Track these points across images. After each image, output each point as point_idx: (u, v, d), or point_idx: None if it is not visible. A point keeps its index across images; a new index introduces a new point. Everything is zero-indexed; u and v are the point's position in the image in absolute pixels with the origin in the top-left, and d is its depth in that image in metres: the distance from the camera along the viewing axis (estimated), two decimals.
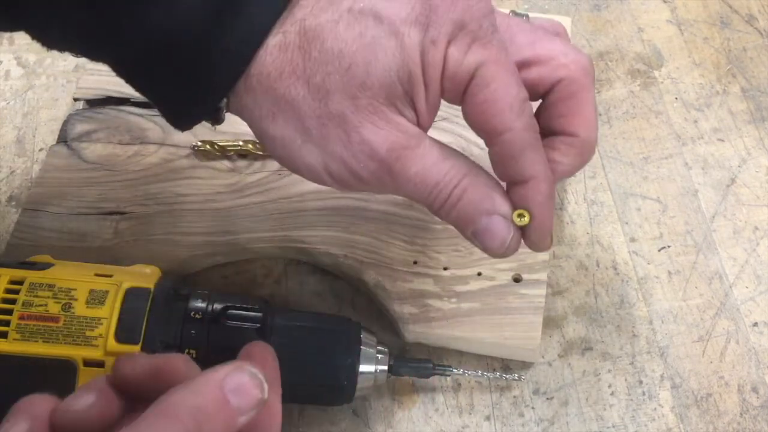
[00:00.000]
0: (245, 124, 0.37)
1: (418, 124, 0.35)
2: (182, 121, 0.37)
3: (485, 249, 0.36)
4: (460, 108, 0.54)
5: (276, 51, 0.34)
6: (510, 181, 0.36)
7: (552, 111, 0.38)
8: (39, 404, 0.28)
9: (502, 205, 0.35)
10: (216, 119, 0.37)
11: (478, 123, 0.35)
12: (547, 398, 0.47)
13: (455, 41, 0.33)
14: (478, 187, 0.35)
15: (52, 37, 0.36)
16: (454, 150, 0.36)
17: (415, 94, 0.34)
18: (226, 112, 0.37)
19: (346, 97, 0.33)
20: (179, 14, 0.32)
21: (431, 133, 0.53)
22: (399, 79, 0.33)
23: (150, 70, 0.35)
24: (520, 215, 0.36)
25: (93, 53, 0.36)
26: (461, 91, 0.34)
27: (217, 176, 0.52)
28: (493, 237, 0.36)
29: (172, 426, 0.26)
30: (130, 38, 0.33)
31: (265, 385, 0.30)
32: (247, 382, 0.29)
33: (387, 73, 0.33)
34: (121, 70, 0.36)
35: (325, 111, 0.33)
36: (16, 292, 0.40)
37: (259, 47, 0.34)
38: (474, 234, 0.36)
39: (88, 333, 0.39)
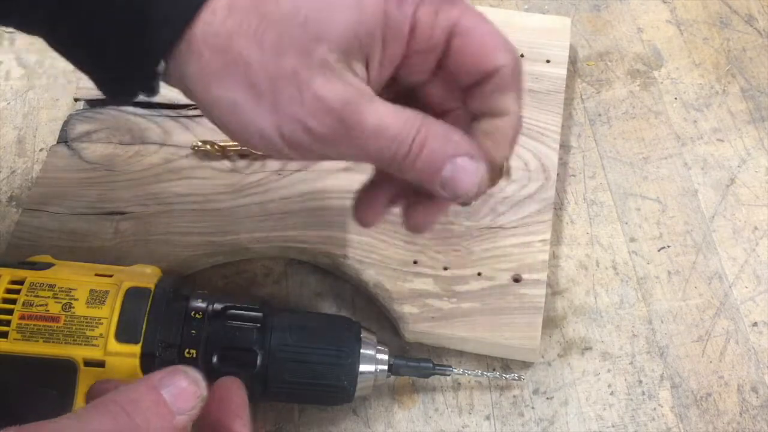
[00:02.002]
0: None
1: (370, 84, 0.34)
2: (118, 90, 0.36)
3: (458, 196, 0.35)
4: None
5: (225, 11, 0.33)
6: (486, 113, 0.36)
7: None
8: None
9: (464, 144, 0.35)
10: (152, 88, 0.35)
11: (472, 68, 0.35)
12: (547, 398, 0.47)
13: (423, 4, 0.34)
14: (438, 133, 0.34)
15: None
16: (403, 106, 0.35)
17: (371, 53, 0.33)
18: (168, 82, 0.35)
19: (300, 53, 0.32)
20: None
21: None
22: (356, 34, 0.32)
23: (84, 35, 0.34)
24: None
25: (26, 21, 0.35)
26: (439, 50, 0.34)
27: (217, 176, 0.52)
28: (463, 179, 0.34)
29: (103, 416, 0.28)
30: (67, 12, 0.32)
31: (203, 383, 0.31)
32: (182, 380, 0.30)
33: (344, 27, 0.32)
34: (55, 38, 0.34)
35: (277, 70, 0.32)
36: (17, 292, 0.40)
37: (201, 8, 0.33)
38: (443, 184, 0.34)
39: (88, 333, 0.39)
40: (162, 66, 0.34)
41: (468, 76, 0.35)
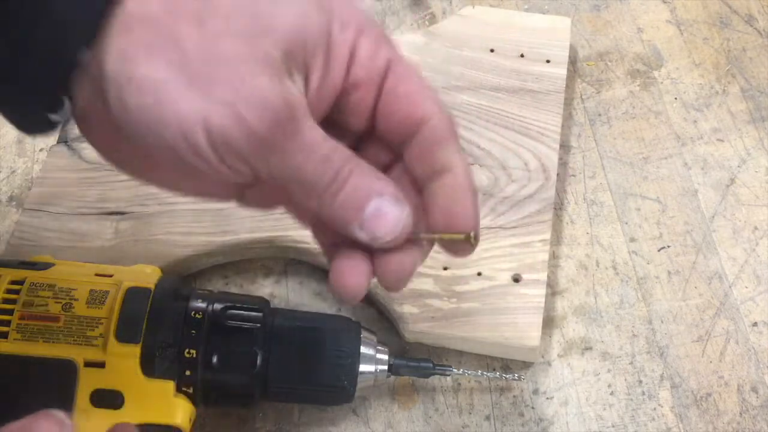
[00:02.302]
0: None
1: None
2: (37, 125, 0.30)
3: (376, 238, 0.32)
4: (460, 108, 0.55)
5: None
6: (429, 174, 0.33)
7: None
8: None
9: (390, 186, 0.32)
10: (62, 104, 0.30)
11: (401, 115, 0.33)
12: (547, 398, 0.47)
13: (365, 34, 0.32)
14: (365, 169, 0.32)
15: None
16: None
17: (312, 67, 0.31)
18: (79, 100, 0.30)
19: (244, 41, 0.29)
20: None
21: None
22: (301, 38, 0.30)
23: None
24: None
25: None
26: (376, 84, 0.33)
27: None
28: (385, 220, 0.32)
29: None
30: None
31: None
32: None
33: (291, 26, 0.30)
34: None
35: (216, 53, 0.29)
36: (17, 292, 0.40)
37: None
38: (362, 223, 0.32)
39: (88, 333, 0.39)
40: (76, 62, 0.29)
41: (396, 126, 0.33)
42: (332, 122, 0.34)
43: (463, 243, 0.33)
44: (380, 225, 0.32)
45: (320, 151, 0.30)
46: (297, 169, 0.30)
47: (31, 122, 0.31)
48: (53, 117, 0.30)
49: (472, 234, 0.33)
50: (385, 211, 0.32)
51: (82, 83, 0.29)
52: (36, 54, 0.28)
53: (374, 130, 0.34)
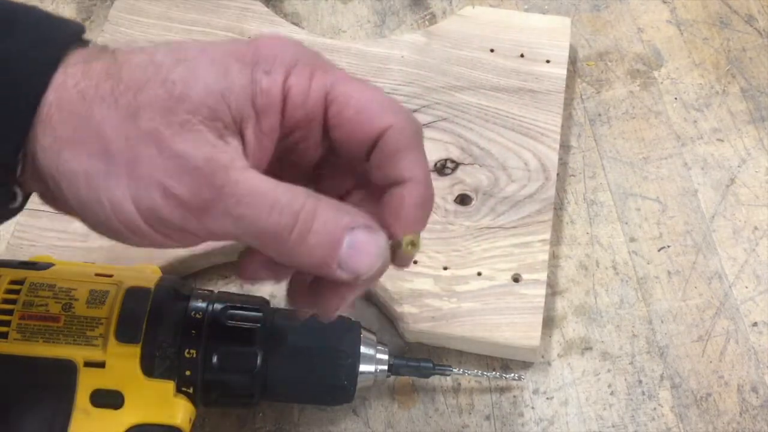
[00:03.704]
0: None
1: (247, 160, 0.30)
2: None
3: (359, 274, 0.30)
4: (460, 108, 0.55)
5: (78, 76, 0.29)
6: (388, 183, 0.32)
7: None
8: None
9: (359, 215, 0.30)
10: (14, 195, 0.31)
11: (355, 137, 0.31)
12: (547, 398, 0.47)
13: (294, 73, 0.31)
14: (328, 204, 0.30)
15: None
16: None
17: (244, 125, 0.30)
18: (26, 184, 0.30)
19: (160, 112, 0.28)
20: None
21: (431, 132, 0.54)
22: (222, 102, 0.29)
23: None
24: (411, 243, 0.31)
25: None
26: (316, 119, 0.32)
27: None
28: (364, 253, 0.30)
29: None
30: None
31: None
32: None
33: (210, 91, 0.29)
34: None
35: (134, 131, 0.28)
36: (17, 292, 0.40)
37: (53, 74, 0.29)
38: (341, 262, 0.30)
39: (88, 333, 0.39)
40: (21, 156, 0.29)
41: (354, 147, 0.32)
42: (287, 162, 0.33)
43: (398, 250, 0.31)
44: (360, 260, 0.30)
45: (268, 198, 0.29)
46: (247, 224, 0.29)
47: None
48: (11, 206, 0.31)
49: (402, 239, 0.31)
50: (361, 244, 0.30)
51: (25, 175, 0.30)
52: None
53: (332, 156, 0.33)
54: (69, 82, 0.29)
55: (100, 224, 0.30)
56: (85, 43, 0.31)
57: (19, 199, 0.31)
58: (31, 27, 0.29)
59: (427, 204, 0.32)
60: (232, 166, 0.29)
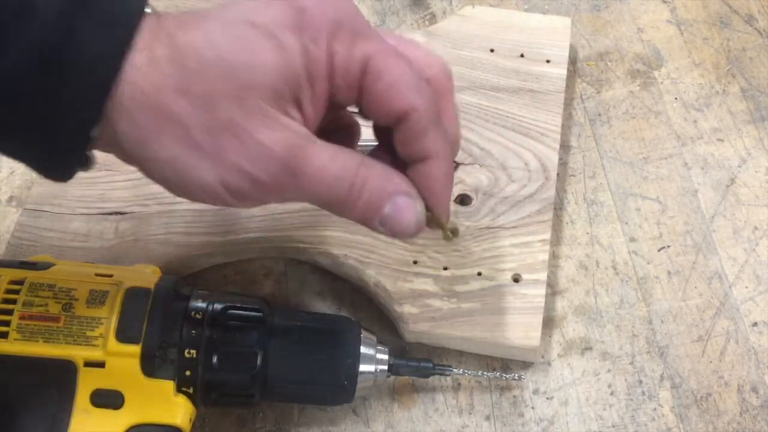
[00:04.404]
0: None
1: (306, 126, 0.34)
2: (54, 174, 0.34)
3: (396, 233, 0.35)
4: (460, 108, 0.55)
5: (145, 67, 0.31)
6: (412, 159, 0.36)
7: None
8: None
9: (402, 183, 0.35)
10: (87, 161, 0.34)
11: (383, 110, 0.34)
12: (547, 398, 0.47)
13: (337, 38, 0.33)
14: (376, 173, 0.35)
15: None
16: (341, 146, 0.35)
17: (301, 94, 0.33)
18: (102, 149, 0.34)
19: (233, 101, 0.31)
20: (12, 57, 0.29)
21: None
22: (283, 79, 0.32)
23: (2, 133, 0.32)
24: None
25: None
26: (356, 86, 0.34)
27: None
28: (402, 217, 0.35)
29: None
30: None
31: None
32: None
33: (270, 72, 0.32)
34: None
35: (213, 121, 0.31)
36: (17, 292, 0.40)
37: (122, 64, 0.31)
38: (382, 221, 0.35)
39: (88, 333, 0.39)
40: (94, 138, 0.32)
41: (381, 119, 0.35)
42: (330, 120, 0.36)
43: (443, 233, 0.37)
44: (398, 222, 0.35)
45: (330, 172, 0.33)
46: (314, 194, 0.34)
47: (62, 174, 0.34)
48: (85, 168, 0.34)
49: (449, 231, 0.37)
50: (400, 210, 0.35)
51: (101, 146, 0.33)
52: (61, 130, 0.31)
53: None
54: (139, 74, 0.31)
55: (183, 195, 0.34)
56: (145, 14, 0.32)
57: (93, 161, 0.34)
58: (104, 2, 0.31)
59: (450, 176, 0.36)
60: (303, 143, 0.33)
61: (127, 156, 0.33)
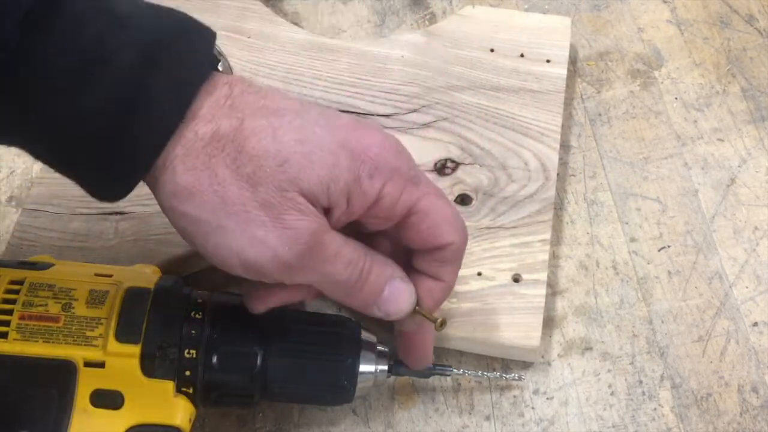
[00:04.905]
0: None
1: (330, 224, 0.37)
2: (106, 197, 0.37)
3: (391, 314, 0.39)
4: (460, 108, 0.55)
5: (208, 137, 0.34)
6: (425, 274, 0.40)
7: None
8: None
9: (398, 269, 0.39)
10: (129, 190, 0.37)
11: (424, 242, 0.38)
12: (547, 398, 0.47)
13: (391, 182, 0.36)
14: (379, 260, 0.38)
15: None
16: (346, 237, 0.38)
17: (335, 206, 0.36)
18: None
19: (276, 189, 0.34)
20: (86, 103, 0.33)
21: (431, 132, 0.54)
22: (327, 189, 0.35)
23: (62, 156, 0.35)
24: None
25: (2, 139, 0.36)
26: (393, 222, 0.38)
27: None
28: (399, 298, 0.39)
29: None
30: (38, 131, 0.34)
31: None
32: None
33: (318, 180, 0.35)
34: (35, 154, 0.36)
35: (251, 199, 0.34)
36: (17, 292, 0.40)
37: (181, 129, 0.34)
38: (378, 304, 0.38)
39: (88, 333, 0.39)
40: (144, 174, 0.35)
41: (417, 247, 0.39)
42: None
43: (430, 324, 0.40)
44: (394, 303, 0.39)
45: (344, 258, 0.36)
46: (327, 275, 0.36)
47: (114, 196, 0.37)
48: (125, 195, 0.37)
49: (439, 321, 0.39)
50: (398, 290, 0.39)
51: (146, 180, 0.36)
52: (119, 161, 0.35)
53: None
54: (197, 140, 0.34)
55: (194, 247, 0.37)
56: (214, 76, 0.35)
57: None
58: (174, 64, 0.34)
59: (445, 298, 0.41)
60: (324, 230, 0.35)
61: (159, 200, 0.36)
